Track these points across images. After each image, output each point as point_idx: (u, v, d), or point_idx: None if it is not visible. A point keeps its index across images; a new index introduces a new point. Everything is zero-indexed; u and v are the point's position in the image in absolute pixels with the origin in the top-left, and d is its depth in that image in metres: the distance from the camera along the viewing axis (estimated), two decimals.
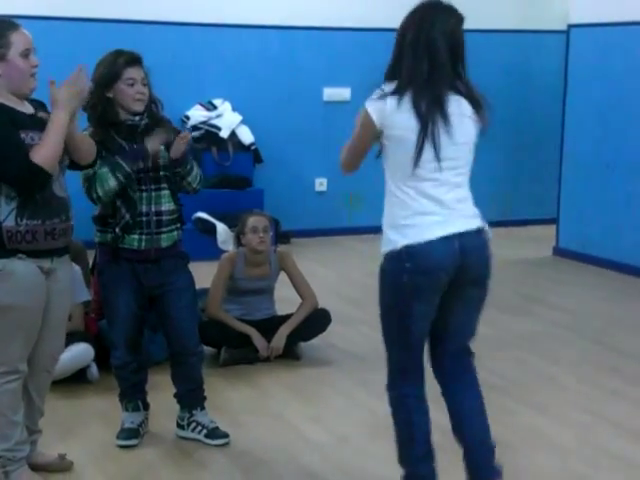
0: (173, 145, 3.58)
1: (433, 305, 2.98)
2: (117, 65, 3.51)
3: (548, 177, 8.45)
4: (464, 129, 3.00)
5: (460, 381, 3.13)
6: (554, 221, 7.81)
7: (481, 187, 10.70)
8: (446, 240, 2.90)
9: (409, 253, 2.89)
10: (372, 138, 3.00)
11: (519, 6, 8.65)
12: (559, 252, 7.62)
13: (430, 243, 2.88)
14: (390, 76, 2.99)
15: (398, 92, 2.92)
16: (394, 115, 2.91)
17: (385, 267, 3.00)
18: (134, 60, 3.54)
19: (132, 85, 3.52)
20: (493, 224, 9.54)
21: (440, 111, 2.91)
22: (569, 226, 7.58)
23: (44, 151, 3.05)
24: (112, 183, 3.48)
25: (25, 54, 3.10)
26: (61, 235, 3.18)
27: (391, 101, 2.91)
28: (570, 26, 7.46)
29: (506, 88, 8.72)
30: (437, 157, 2.92)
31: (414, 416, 3.10)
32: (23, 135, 3.08)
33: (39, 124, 3.15)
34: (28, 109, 3.18)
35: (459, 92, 2.99)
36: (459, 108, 2.98)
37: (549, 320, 5.75)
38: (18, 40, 3.09)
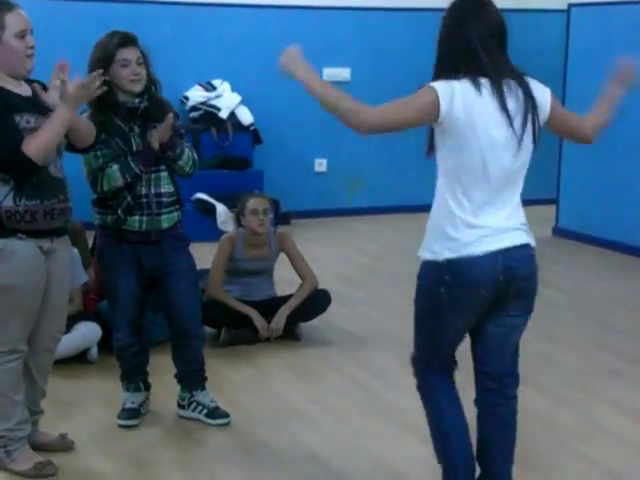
0: (157, 130, 3.53)
1: (469, 319, 2.87)
2: (110, 47, 3.48)
3: (548, 157, 8.41)
4: (543, 112, 2.89)
5: (492, 413, 2.98)
6: (554, 201, 7.81)
7: None
8: (491, 255, 2.76)
9: (450, 267, 2.75)
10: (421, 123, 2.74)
11: None
12: (559, 232, 7.63)
13: (474, 258, 2.74)
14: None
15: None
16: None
17: (424, 273, 2.85)
18: (127, 40, 3.52)
19: (126, 66, 3.49)
20: None
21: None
22: (569, 206, 7.58)
23: (37, 144, 3.04)
24: (120, 182, 3.50)
25: (21, 35, 3.08)
26: (60, 215, 3.18)
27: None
28: (570, 5, 7.43)
29: None
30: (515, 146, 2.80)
31: (439, 403, 3.00)
32: (18, 118, 3.07)
33: (36, 106, 3.14)
34: (25, 91, 3.16)
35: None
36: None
37: (548, 300, 5.74)
38: (13, 21, 3.07)
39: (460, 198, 2.76)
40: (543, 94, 2.94)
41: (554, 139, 8.44)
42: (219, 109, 7.57)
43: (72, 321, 4.18)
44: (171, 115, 3.54)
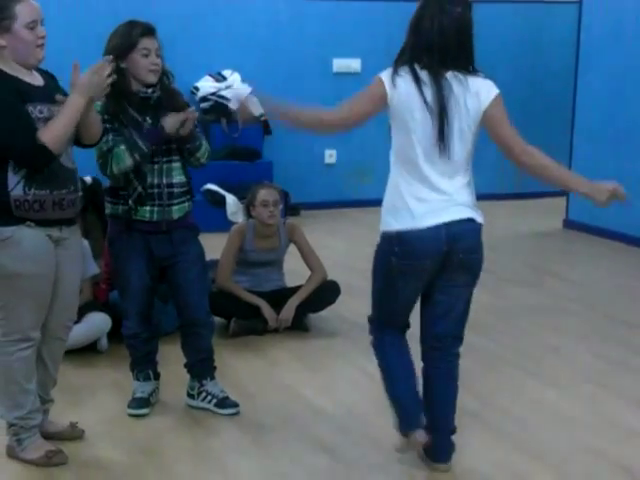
0: (166, 118, 3.54)
1: (418, 286, 3.15)
2: (133, 35, 3.49)
3: (558, 149, 8.37)
4: (467, 111, 3.08)
5: (436, 367, 3.26)
6: (564, 193, 7.78)
7: (491, 159, 10.68)
8: (435, 228, 3.03)
9: (399, 239, 3.05)
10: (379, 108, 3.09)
11: None
12: (569, 224, 7.61)
13: (419, 231, 3.03)
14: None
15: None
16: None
17: (379, 245, 3.17)
18: (150, 30, 3.53)
19: (147, 56, 3.50)
20: (503, 197, 9.60)
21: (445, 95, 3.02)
22: (579, 198, 7.52)
23: (53, 132, 3.05)
24: (128, 162, 3.49)
25: (31, 26, 3.09)
26: (69, 206, 3.19)
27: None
28: None
29: (517, 59, 8.67)
30: (439, 137, 3.03)
31: (389, 358, 3.30)
32: (31, 108, 3.07)
33: (48, 96, 3.14)
34: (37, 80, 3.17)
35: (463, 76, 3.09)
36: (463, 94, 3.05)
37: (558, 292, 5.75)
38: (24, 11, 3.08)
39: (407, 175, 3.06)
40: (484, 95, 3.12)
41: (565, 131, 8.49)
42: (229, 100, 7.57)
43: (82, 311, 4.19)
44: (193, 109, 3.57)
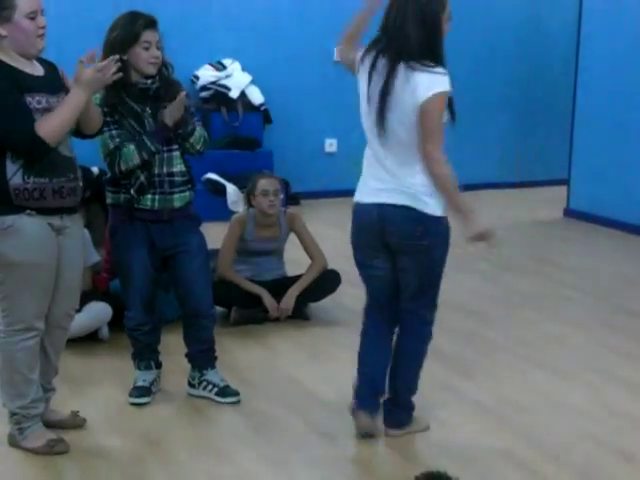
0: (166, 109, 3.54)
1: (378, 265, 3.36)
2: (136, 27, 3.48)
3: (559, 137, 8.40)
4: (403, 104, 3.12)
5: (396, 342, 3.47)
6: (565, 182, 7.78)
7: (491, 148, 10.63)
8: (369, 206, 3.27)
9: (353, 210, 3.38)
10: None
11: None
12: (570, 213, 7.60)
13: (358, 205, 3.33)
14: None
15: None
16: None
17: None
18: (152, 23, 3.53)
19: (148, 49, 3.50)
20: (504, 185, 9.58)
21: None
22: (580, 187, 7.55)
23: (52, 125, 3.05)
24: (137, 161, 3.50)
25: (32, 16, 3.08)
26: (69, 194, 3.19)
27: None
28: None
29: (517, 44, 8.65)
30: (378, 125, 3.17)
31: (362, 343, 3.49)
32: (29, 99, 3.07)
33: (48, 86, 3.14)
34: (37, 70, 3.16)
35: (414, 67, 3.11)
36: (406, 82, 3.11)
37: (559, 281, 5.75)
38: (24, 1, 3.07)
39: (369, 156, 3.29)
40: (421, 91, 3.10)
41: (565, 121, 8.46)
42: (229, 89, 7.55)
43: (83, 301, 4.18)
44: (183, 93, 3.55)
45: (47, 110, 3.08)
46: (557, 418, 3.71)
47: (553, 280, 5.78)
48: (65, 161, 3.18)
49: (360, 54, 3.24)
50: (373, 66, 3.17)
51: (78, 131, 3.28)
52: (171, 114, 3.52)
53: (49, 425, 3.41)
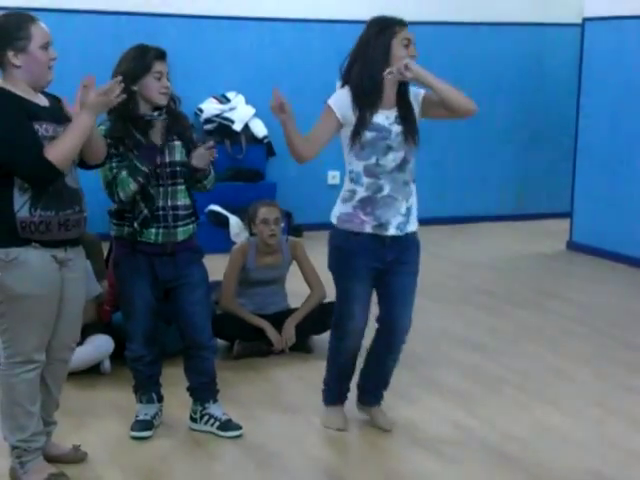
0: (197, 153, 3.60)
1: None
2: (147, 59, 3.52)
3: (562, 171, 8.42)
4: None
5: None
6: (568, 215, 7.78)
7: (493, 180, 10.65)
8: None
9: None
10: None
11: (534, 0, 8.61)
12: (573, 246, 7.60)
13: None
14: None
15: None
16: None
17: None
18: (162, 55, 3.58)
19: (159, 79, 3.54)
20: (506, 218, 9.58)
21: None
22: (583, 220, 7.55)
23: (60, 150, 3.07)
24: (132, 186, 3.52)
25: (45, 46, 3.13)
26: (74, 226, 3.20)
27: None
28: (585, 19, 7.43)
29: (520, 81, 8.71)
30: None
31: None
32: (37, 126, 3.09)
33: (53, 116, 3.16)
34: (42, 101, 3.19)
35: None
36: None
37: (563, 314, 5.73)
38: (38, 33, 3.11)
39: None
40: None
41: (568, 153, 8.47)
42: (233, 121, 7.59)
43: (86, 333, 4.18)
44: (213, 142, 3.65)
45: (54, 138, 3.11)
46: (562, 453, 3.68)
47: (556, 313, 5.76)
48: (71, 193, 3.19)
49: None
50: None
51: (83, 161, 3.30)
52: (201, 159, 3.59)
53: (50, 459, 3.38)
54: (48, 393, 3.36)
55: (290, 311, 4.92)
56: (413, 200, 3.66)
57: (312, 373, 4.59)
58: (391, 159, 3.56)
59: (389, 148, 3.56)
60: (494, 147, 8.73)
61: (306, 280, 4.94)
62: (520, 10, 8.54)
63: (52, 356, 3.30)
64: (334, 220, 3.69)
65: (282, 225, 4.91)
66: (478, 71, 8.48)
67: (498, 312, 5.74)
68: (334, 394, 3.89)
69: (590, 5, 7.36)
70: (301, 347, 4.84)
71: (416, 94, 3.63)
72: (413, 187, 3.66)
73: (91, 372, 4.37)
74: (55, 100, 3.27)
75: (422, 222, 9.31)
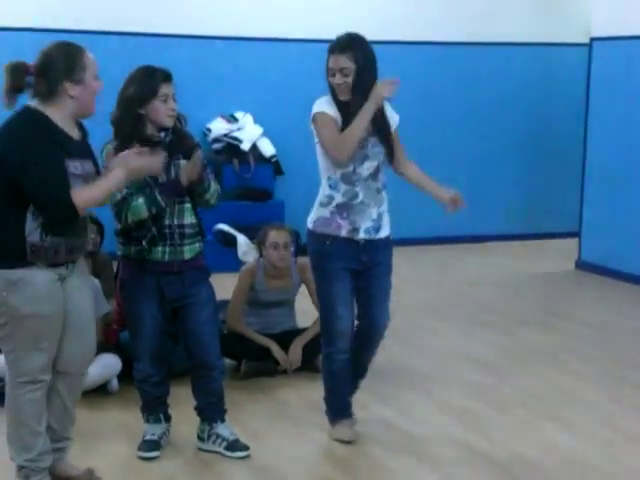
0: (182, 168, 3.58)
1: None
2: (153, 82, 3.53)
3: (570, 190, 8.42)
4: None
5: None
6: (576, 234, 7.77)
7: (502, 200, 10.63)
8: None
9: None
10: None
11: (541, 19, 8.65)
12: (581, 265, 7.58)
13: None
14: None
15: None
16: None
17: None
18: (168, 76, 3.58)
19: (165, 101, 3.55)
20: (514, 237, 9.55)
21: None
22: (591, 239, 7.53)
23: (87, 198, 3.11)
24: (144, 215, 3.52)
25: (96, 76, 3.19)
26: (79, 250, 3.25)
27: None
28: (593, 39, 7.44)
29: (528, 101, 8.72)
30: None
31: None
32: (68, 163, 3.11)
33: (82, 151, 3.20)
34: (75, 133, 3.22)
35: None
36: None
37: (571, 334, 5.71)
38: (90, 63, 3.17)
39: None
40: None
41: (576, 172, 8.46)
42: (241, 141, 7.62)
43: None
44: (199, 152, 3.59)
45: (81, 176, 3.13)
46: (571, 474, 3.65)
47: (565, 333, 5.74)
48: (82, 221, 3.24)
49: None
50: None
51: None
52: (187, 173, 3.56)
53: (65, 479, 3.36)
54: (64, 408, 3.35)
55: (298, 331, 4.91)
56: (384, 207, 3.85)
57: (319, 393, 4.56)
58: (366, 167, 3.76)
59: (365, 157, 3.75)
60: (502, 166, 8.73)
61: (313, 301, 4.93)
62: (528, 30, 8.57)
63: (65, 370, 3.30)
64: (310, 225, 3.89)
65: (292, 249, 4.90)
66: (487, 90, 8.51)
67: (506, 331, 5.71)
68: (335, 409, 3.93)
69: (598, 25, 7.38)
70: (309, 366, 4.82)
71: (392, 115, 3.86)
72: (384, 194, 3.85)
73: (98, 391, 4.37)
74: (84, 132, 3.30)
75: (430, 241, 9.32)
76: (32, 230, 3.09)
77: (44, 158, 3.05)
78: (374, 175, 3.78)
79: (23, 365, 3.17)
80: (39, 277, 3.12)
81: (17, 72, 3.10)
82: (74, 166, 3.12)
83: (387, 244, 3.88)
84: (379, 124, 3.76)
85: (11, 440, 3.28)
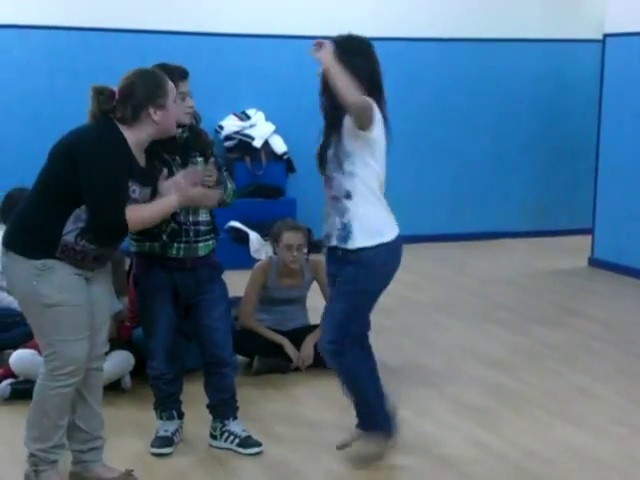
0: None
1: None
2: (172, 79, 3.53)
3: (583, 187, 8.39)
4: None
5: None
6: (589, 231, 7.74)
7: (515, 197, 10.61)
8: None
9: (397, 243, 3.90)
10: None
11: (554, 16, 8.61)
12: (594, 263, 7.54)
13: (400, 237, 3.84)
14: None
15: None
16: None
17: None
18: (185, 74, 3.61)
19: (183, 99, 3.56)
20: (527, 234, 9.55)
21: None
22: (604, 236, 7.50)
23: (139, 218, 3.22)
24: (157, 220, 3.51)
25: (176, 100, 3.33)
26: (105, 260, 3.34)
27: None
28: (606, 35, 7.41)
29: (541, 97, 8.69)
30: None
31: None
32: (130, 184, 3.21)
33: (143, 178, 3.28)
34: (142, 160, 3.31)
35: None
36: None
37: (584, 331, 5.69)
38: (170, 89, 3.29)
39: (374, 188, 3.65)
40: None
41: (589, 170, 8.43)
42: (253, 138, 7.62)
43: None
44: (213, 160, 3.63)
45: (136, 201, 3.23)
46: (584, 472, 3.65)
47: (578, 331, 5.72)
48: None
49: (377, 113, 3.59)
50: (386, 120, 3.67)
51: None
52: (204, 200, 3.54)
53: None
54: (87, 407, 3.39)
55: (309, 328, 4.92)
56: (351, 217, 3.54)
57: (332, 389, 4.56)
58: (322, 175, 3.72)
59: (321, 164, 3.72)
60: (515, 163, 8.71)
61: (326, 299, 4.93)
62: (541, 26, 8.54)
63: (87, 365, 3.31)
64: None
65: (305, 250, 4.89)
66: (499, 87, 8.48)
67: (519, 329, 5.70)
68: (385, 416, 3.70)
69: (611, 21, 7.34)
70: (322, 363, 4.81)
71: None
72: (348, 203, 3.54)
73: (111, 388, 4.37)
74: (148, 161, 3.36)
75: (442, 238, 9.31)
76: (70, 230, 3.15)
77: (114, 173, 3.15)
78: (327, 182, 3.65)
79: (68, 354, 3.19)
80: (59, 265, 3.18)
81: (104, 97, 3.24)
82: (132, 190, 3.22)
83: (354, 261, 3.57)
84: (335, 133, 3.78)
85: (30, 428, 3.31)
